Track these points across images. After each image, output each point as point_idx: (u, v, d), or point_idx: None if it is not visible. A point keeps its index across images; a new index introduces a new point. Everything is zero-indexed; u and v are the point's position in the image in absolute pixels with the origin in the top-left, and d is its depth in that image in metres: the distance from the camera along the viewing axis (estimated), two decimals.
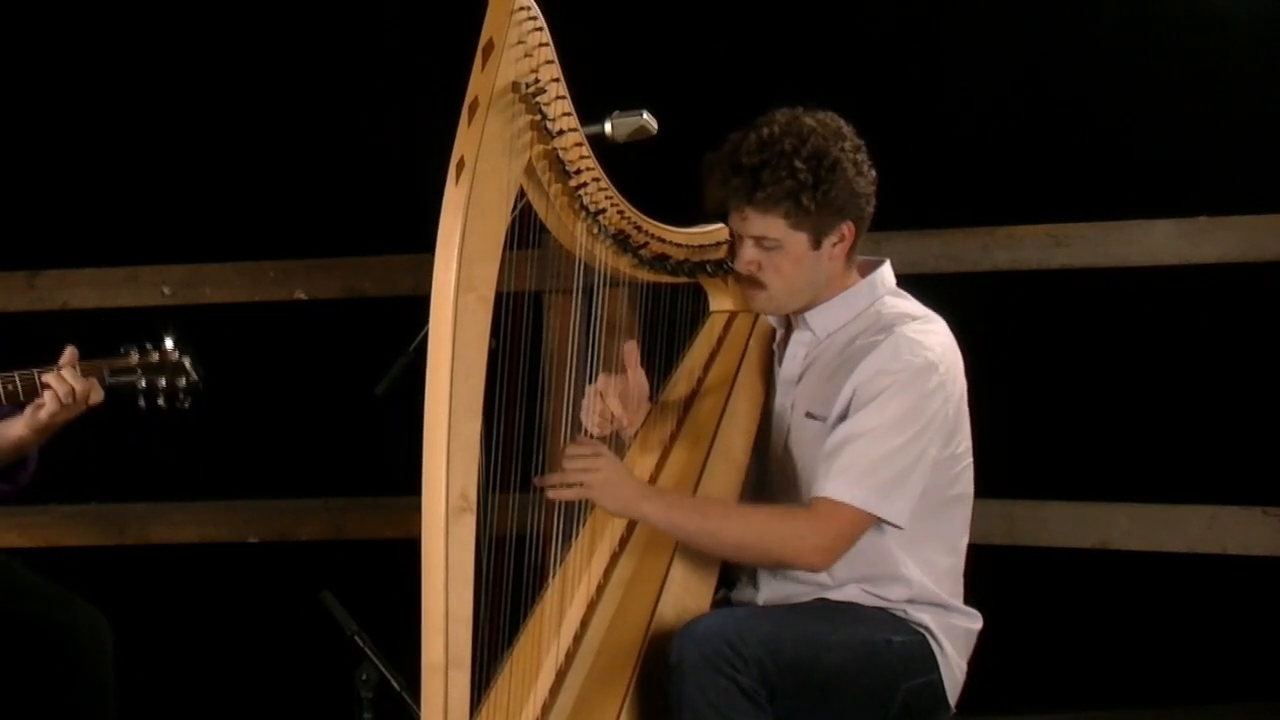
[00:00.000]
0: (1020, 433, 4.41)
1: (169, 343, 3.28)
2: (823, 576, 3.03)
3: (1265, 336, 4.44)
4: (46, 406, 3.20)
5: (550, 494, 2.94)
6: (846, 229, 3.05)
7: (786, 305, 3.12)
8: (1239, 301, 4.43)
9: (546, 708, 2.89)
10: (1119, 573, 4.45)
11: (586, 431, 3.14)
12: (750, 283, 3.09)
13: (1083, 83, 4.53)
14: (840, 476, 2.94)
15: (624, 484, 2.97)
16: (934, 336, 3.03)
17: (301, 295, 4.65)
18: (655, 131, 3.24)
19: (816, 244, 3.04)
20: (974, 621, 3.12)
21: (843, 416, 2.99)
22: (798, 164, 2.98)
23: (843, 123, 3.06)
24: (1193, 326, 4.51)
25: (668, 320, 3.29)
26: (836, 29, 4.65)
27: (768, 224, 3.02)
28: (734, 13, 4.66)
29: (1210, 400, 4.50)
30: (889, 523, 2.96)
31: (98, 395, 3.23)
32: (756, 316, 3.34)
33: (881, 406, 2.96)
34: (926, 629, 3.04)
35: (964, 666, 3.10)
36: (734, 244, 3.12)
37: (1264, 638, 4.46)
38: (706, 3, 4.71)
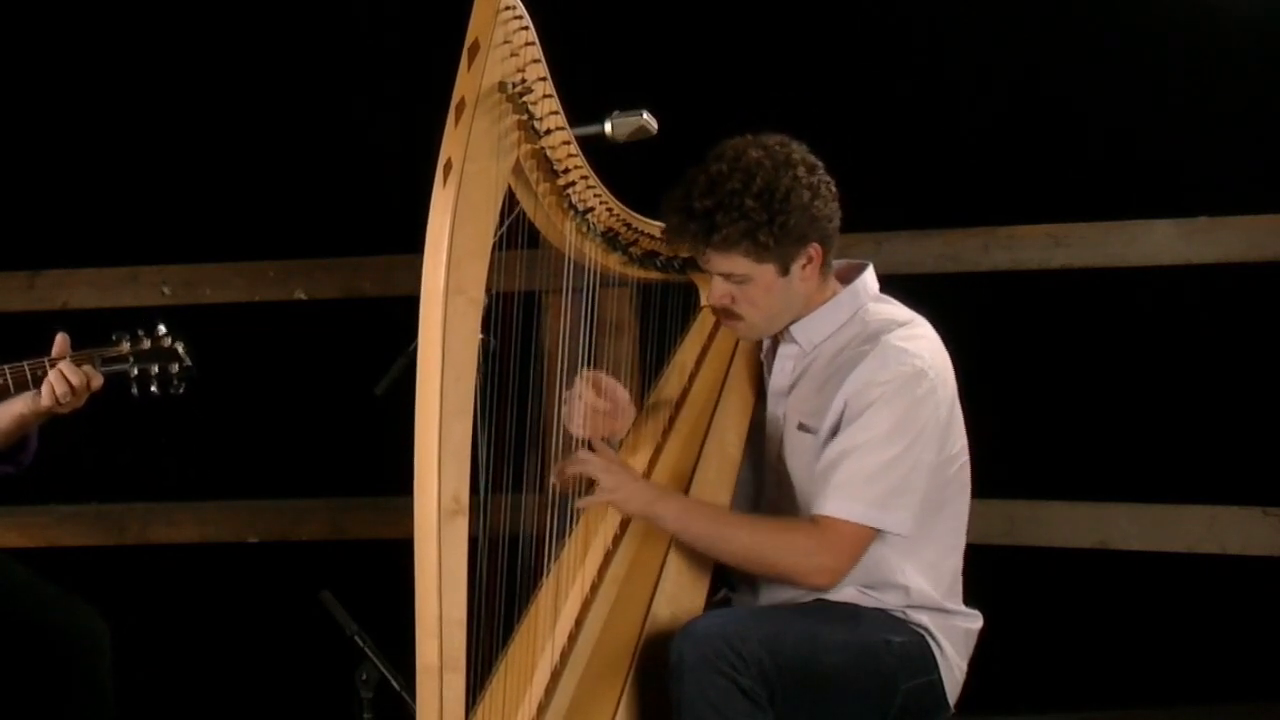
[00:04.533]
0: (1020, 433, 4.41)
1: (161, 328, 3.27)
2: None
3: (1265, 336, 4.44)
4: (44, 400, 3.21)
5: (578, 502, 2.98)
6: (813, 251, 3.02)
7: (766, 331, 3.12)
8: (1239, 301, 4.43)
9: (542, 708, 2.89)
10: (1119, 573, 4.44)
11: (575, 440, 3.13)
12: (726, 314, 3.09)
13: (1083, 83, 4.53)
14: (838, 493, 2.94)
15: (639, 485, 3.00)
16: (921, 342, 3.03)
17: (301, 295, 4.65)
18: (655, 131, 3.24)
19: (784, 271, 3.02)
20: (973, 622, 3.11)
21: (834, 429, 2.99)
22: (749, 202, 2.95)
23: (794, 147, 3.02)
24: (1192, 326, 4.50)
25: (658, 317, 3.28)
26: (836, 29, 4.64)
27: (731, 262, 3.00)
28: (734, 13, 4.65)
29: (1210, 400, 4.49)
30: (892, 533, 2.97)
31: (97, 381, 3.22)
32: None
33: (873, 418, 2.95)
34: (926, 629, 3.04)
35: (963, 667, 3.10)
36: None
37: (1264, 638, 4.46)
38: (706, 3, 4.71)
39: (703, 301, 3.42)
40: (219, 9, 4.86)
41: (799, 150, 3.03)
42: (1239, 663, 4.48)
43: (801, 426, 3.07)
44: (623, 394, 3.24)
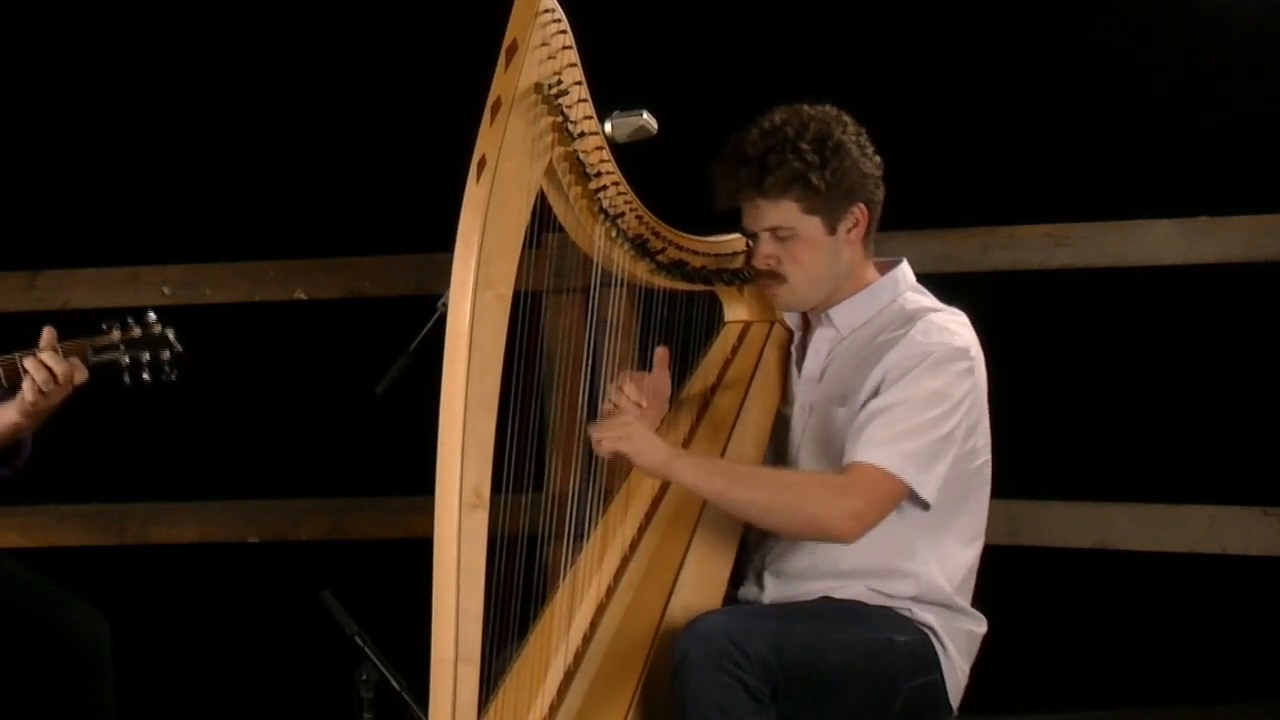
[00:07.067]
0: (1020, 432, 4.38)
1: (150, 316, 3.25)
2: (829, 569, 3.03)
3: (1265, 336, 4.45)
4: (27, 394, 3.18)
5: (595, 448, 2.94)
6: (859, 212, 3.06)
7: (809, 298, 3.13)
8: (1239, 301, 4.43)
9: (554, 707, 2.89)
10: (1119, 573, 4.44)
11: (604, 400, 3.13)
12: (770, 278, 3.10)
13: (1083, 82, 4.53)
14: (874, 442, 2.93)
15: (656, 443, 2.96)
16: (961, 329, 3.06)
17: (302, 295, 4.64)
18: (655, 132, 3.23)
19: (831, 229, 3.05)
20: (978, 625, 3.11)
21: (874, 395, 2.99)
22: (803, 146, 3.00)
23: (842, 113, 3.09)
24: (1192, 326, 4.51)
25: (682, 329, 3.28)
26: (837, 29, 4.65)
27: (780, 211, 3.03)
28: (735, 12, 4.66)
29: (1210, 400, 4.50)
30: (918, 496, 2.95)
31: (81, 375, 3.19)
32: (771, 327, 3.33)
33: (914, 381, 2.96)
34: (930, 629, 3.04)
35: (966, 670, 3.10)
36: (749, 248, 3.13)
37: (1264, 638, 4.46)
38: (707, 3, 4.71)
39: (727, 317, 3.42)
40: (218, 8, 4.86)
41: (847, 116, 3.09)
42: (1239, 663, 4.49)
43: (833, 406, 3.07)
44: (662, 384, 3.23)
